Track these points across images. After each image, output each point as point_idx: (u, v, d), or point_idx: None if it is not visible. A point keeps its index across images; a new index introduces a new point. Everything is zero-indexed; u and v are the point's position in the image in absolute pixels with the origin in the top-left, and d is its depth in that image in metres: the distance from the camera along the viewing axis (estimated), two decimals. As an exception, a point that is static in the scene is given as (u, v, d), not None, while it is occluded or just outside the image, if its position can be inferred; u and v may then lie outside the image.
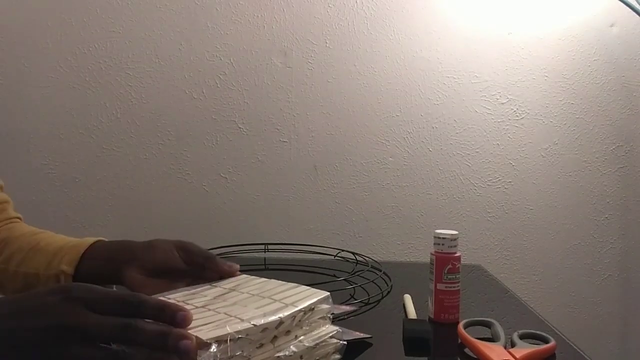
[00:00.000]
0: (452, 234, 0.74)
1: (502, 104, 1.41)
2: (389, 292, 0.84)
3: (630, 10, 1.24)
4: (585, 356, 0.64)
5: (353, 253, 1.05)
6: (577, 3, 1.39)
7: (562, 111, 1.41)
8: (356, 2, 1.39)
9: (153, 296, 0.47)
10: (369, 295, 0.80)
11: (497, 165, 1.42)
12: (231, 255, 1.06)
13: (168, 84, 1.40)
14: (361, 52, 1.40)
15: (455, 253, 0.74)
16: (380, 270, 0.92)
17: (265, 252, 1.06)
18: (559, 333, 0.72)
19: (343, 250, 1.09)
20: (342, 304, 0.74)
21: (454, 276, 0.74)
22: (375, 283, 0.86)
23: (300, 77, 1.40)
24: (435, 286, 0.74)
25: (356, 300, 0.79)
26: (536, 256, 1.43)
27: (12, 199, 0.78)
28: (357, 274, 0.90)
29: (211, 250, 0.70)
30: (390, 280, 0.89)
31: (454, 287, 0.74)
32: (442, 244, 0.74)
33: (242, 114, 1.40)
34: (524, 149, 1.42)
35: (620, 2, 1.23)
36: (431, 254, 0.76)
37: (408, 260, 1.41)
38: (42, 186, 1.39)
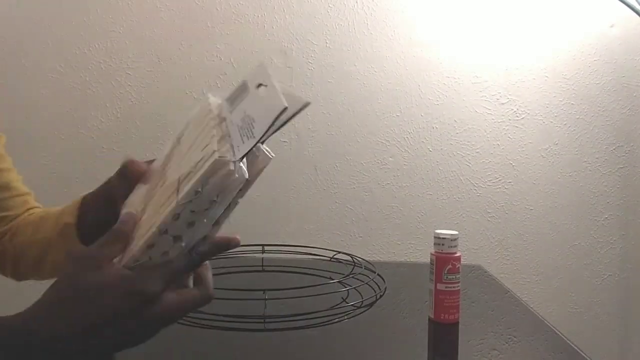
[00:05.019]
0: (452, 234, 0.74)
1: (502, 104, 1.41)
2: (381, 295, 0.84)
3: (630, 10, 1.24)
4: (585, 356, 0.64)
5: (350, 255, 1.04)
6: (577, 4, 1.39)
7: (562, 112, 1.41)
8: (356, 2, 1.39)
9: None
10: (362, 298, 0.80)
11: (497, 166, 1.42)
12: (228, 256, 1.05)
13: (168, 84, 1.40)
14: (361, 52, 1.40)
15: (455, 253, 0.74)
16: (375, 272, 0.92)
17: (262, 253, 1.06)
18: (559, 333, 0.72)
19: (340, 252, 1.08)
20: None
21: (454, 276, 0.74)
22: (369, 285, 0.86)
23: (300, 77, 1.40)
24: (436, 286, 0.74)
25: (348, 303, 0.79)
26: (536, 256, 1.42)
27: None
28: (352, 276, 0.90)
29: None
30: (385, 283, 0.89)
31: (454, 287, 0.74)
32: (442, 244, 0.74)
33: (242, 114, 1.40)
34: (524, 149, 1.41)
35: (620, 2, 1.23)
36: (431, 254, 0.76)
37: (408, 260, 1.41)
38: (42, 186, 1.38)
